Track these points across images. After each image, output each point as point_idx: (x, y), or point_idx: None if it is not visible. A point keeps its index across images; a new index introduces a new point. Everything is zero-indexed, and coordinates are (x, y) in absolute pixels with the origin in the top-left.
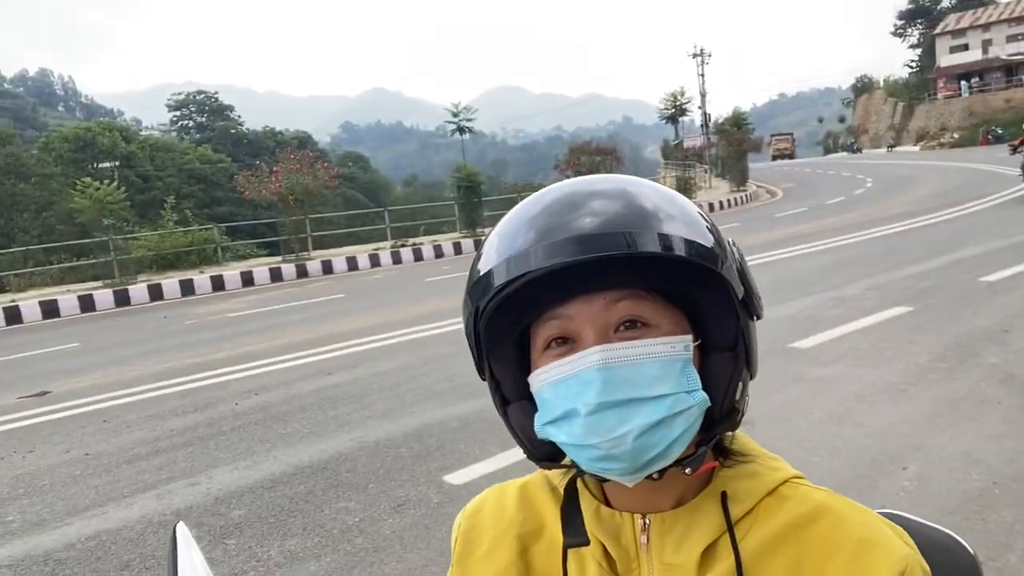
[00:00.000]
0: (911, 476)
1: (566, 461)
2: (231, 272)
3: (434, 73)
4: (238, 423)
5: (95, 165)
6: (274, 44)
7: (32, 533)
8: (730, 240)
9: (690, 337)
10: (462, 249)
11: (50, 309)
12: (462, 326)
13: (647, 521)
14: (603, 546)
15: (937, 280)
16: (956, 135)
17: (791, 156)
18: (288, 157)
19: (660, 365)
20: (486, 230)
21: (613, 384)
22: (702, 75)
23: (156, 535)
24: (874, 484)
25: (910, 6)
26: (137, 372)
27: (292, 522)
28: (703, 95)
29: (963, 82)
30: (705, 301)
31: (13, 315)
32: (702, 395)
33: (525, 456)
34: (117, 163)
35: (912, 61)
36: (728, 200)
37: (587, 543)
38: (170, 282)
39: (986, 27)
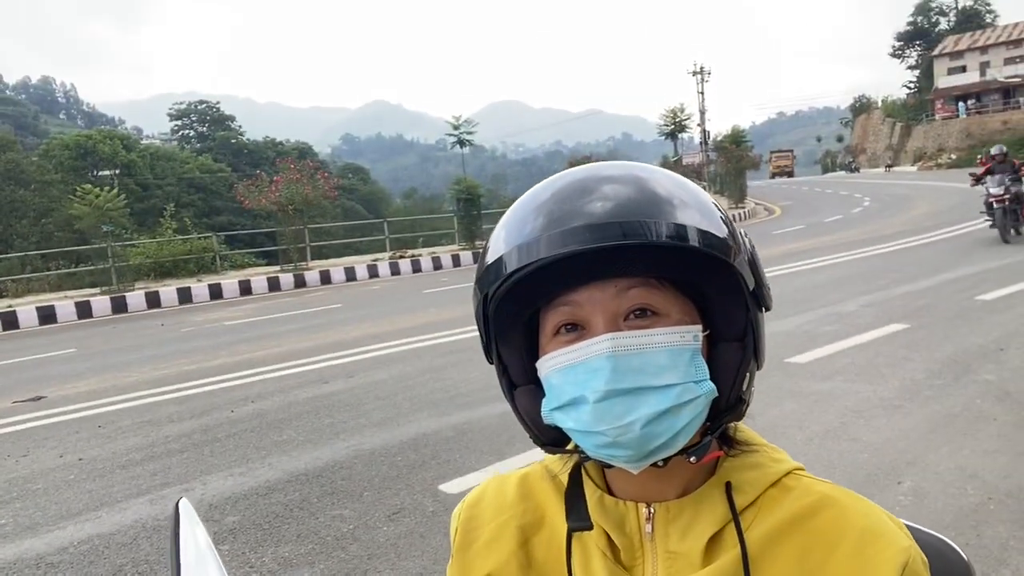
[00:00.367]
0: (907, 491)
1: (570, 446)
2: (229, 281)
3: (435, 86)
4: (234, 430)
5: (95, 173)
6: (276, 56)
7: (24, 537)
8: (742, 230)
9: (699, 327)
10: (460, 261)
11: (47, 315)
12: (459, 337)
13: (652, 510)
14: (607, 535)
15: (933, 298)
16: (953, 156)
17: (790, 174)
18: (288, 167)
19: (669, 354)
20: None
21: (622, 372)
22: (702, 93)
23: (149, 540)
24: (870, 498)
25: (909, 28)
26: (133, 378)
27: (286, 529)
28: (702, 112)
29: (961, 104)
30: (715, 291)
31: (10, 321)
32: (710, 385)
33: (531, 440)
34: (117, 171)
35: (910, 82)
36: None
37: (591, 527)
38: (168, 290)
39: (984, 50)
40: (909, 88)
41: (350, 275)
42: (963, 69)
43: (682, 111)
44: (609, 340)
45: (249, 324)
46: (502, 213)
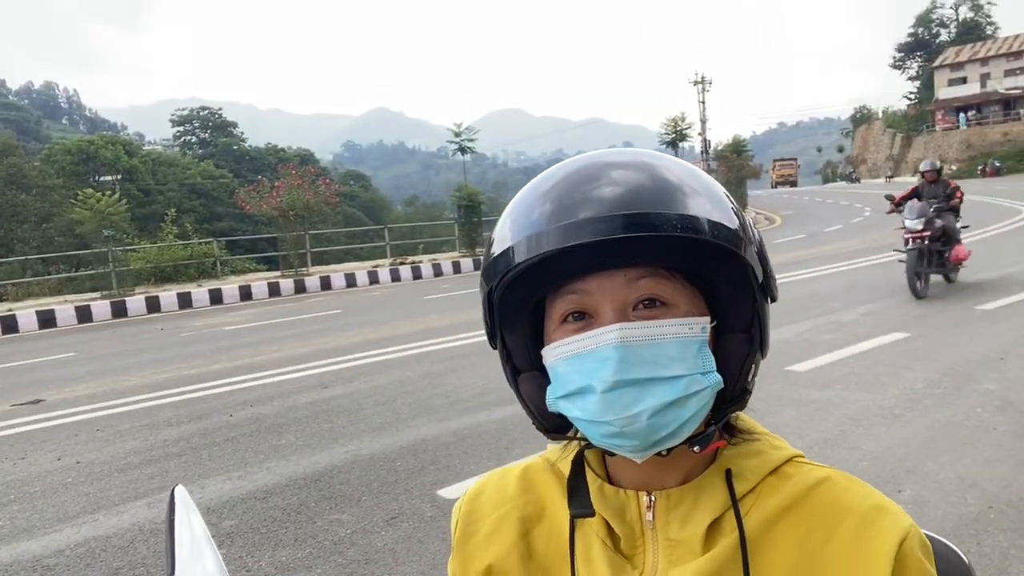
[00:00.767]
0: (906, 499)
1: (571, 433)
2: (229, 286)
3: (437, 94)
4: (232, 434)
5: (97, 178)
6: (278, 63)
7: (21, 539)
8: (750, 220)
9: (708, 319)
10: (461, 268)
11: (47, 319)
12: (459, 343)
13: (652, 498)
14: (607, 524)
15: (933, 307)
16: (954, 167)
17: (794, 183)
18: (290, 173)
19: (678, 346)
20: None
21: (630, 362)
22: (703, 102)
23: (146, 543)
24: None
25: (909, 39)
26: (132, 382)
27: (283, 533)
28: (703, 121)
29: (961, 115)
30: (724, 282)
31: (10, 325)
32: (716, 377)
33: (534, 427)
34: (119, 176)
35: (911, 93)
36: None
37: (593, 514)
38: (168, 295)
39: (984, 61)
40: (910, 99)
41: (350, 281)
42: (964, 80)
43: (683, 120)
44: (618, 330)
45: (249, 329)
46: None
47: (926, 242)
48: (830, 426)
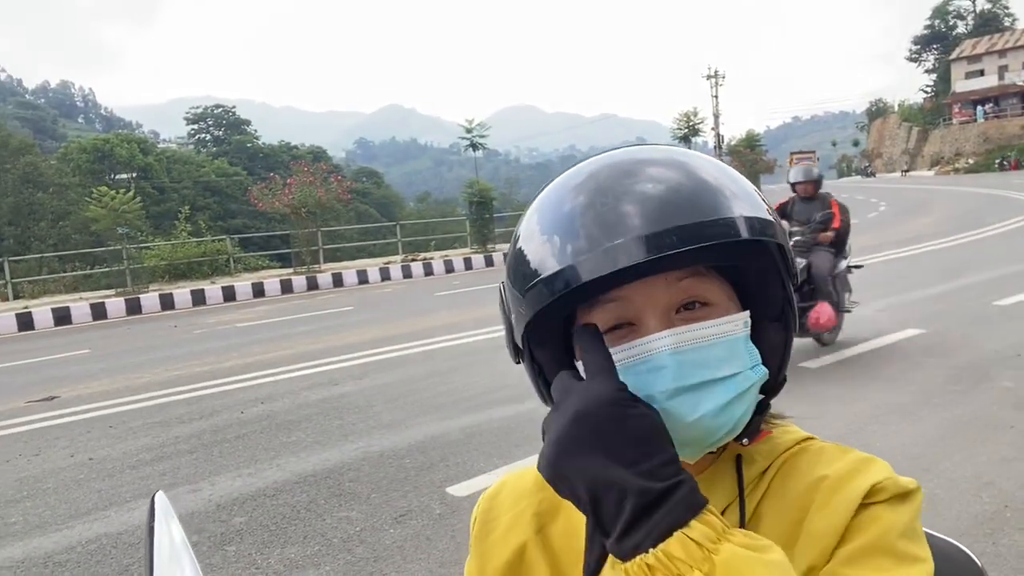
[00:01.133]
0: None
1: None
2: (242, 283)
3: (449, 91)
4: (243, 431)
5: (112, 176)
6: (291, 60)
7: (33, 535)
8: (770, 203)
9: (747, 313)
10: (473, 265)
11: (62, 316)
12: (470, 340)
13: None
14: None
15: (950, 303)
16: (971, 160)
17: None
18: (302, 170)
19: (727, 345)
20: (497, 246)
21: (686, 368)
22: (716, 96)
23: None
24: None
25: (926, 32)
26: (145, 379)
27: (293, 530)
28: (716, 116)
29: (979, 108)
30: (755, 272)
31: (26, 322)
32: (763, 370)
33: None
34: (134, 175)
35: (927, 86)
36: None
37: None
38: (181, 292)
39: (1002, 53)
40: (926, 92)
41: (362, 278)
42: (981, 73)
43: (695, 115)
44: (670, 336)
45: (261, 326)
46: (515, 217)
47: None
48: (843, 423)
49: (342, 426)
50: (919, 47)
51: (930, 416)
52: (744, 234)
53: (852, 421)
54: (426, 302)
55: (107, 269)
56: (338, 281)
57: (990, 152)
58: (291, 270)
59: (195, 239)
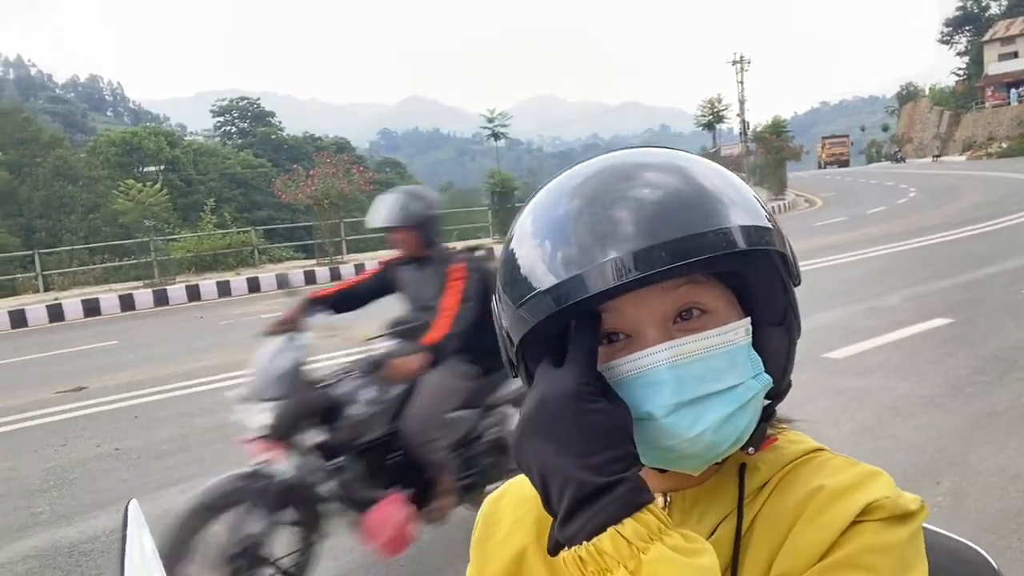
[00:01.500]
0: (945, 491)
1: None
2: (266, 274)
3: (472, 81)
4: None
5: (141, 169)
6: (315, 52)
7: (59, 525)
8: (769, 207)
9: (748, 320)
10: (495, 255)
11: (92, 308)
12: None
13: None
14: None
15: (977, 292)
16: (1005, 144)
17: (845, 163)
18: (324, 161)
19: (727, 355)
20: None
21: (685, 382)
22: (741, 82)
23: None
24: None
25: (958, 13)
26: (171, 370)
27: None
28: (742, 102)
29: (1012, 91)
30: (753, 276)
31: (56, 313)
32: (767, 378)
33: None
34: (162, 167)
35: (959, 69)
36: None
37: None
38: (207, 283)
39: None
40: (958, 75)
41: None
42: (1015, 55)
43: (720, 101)
44: (667, 349)
45: None
46: None
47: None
48: (867, 415)
49: None
50: (951, 29)
51: (956, 408)
52: (741, 244)
53: (876, 413)
54: None
55: (135, 261)
56: (361, 271)
57: None
58: (314, 261)
59: (221, 231)
